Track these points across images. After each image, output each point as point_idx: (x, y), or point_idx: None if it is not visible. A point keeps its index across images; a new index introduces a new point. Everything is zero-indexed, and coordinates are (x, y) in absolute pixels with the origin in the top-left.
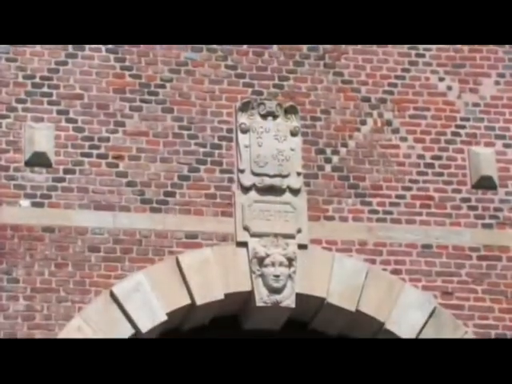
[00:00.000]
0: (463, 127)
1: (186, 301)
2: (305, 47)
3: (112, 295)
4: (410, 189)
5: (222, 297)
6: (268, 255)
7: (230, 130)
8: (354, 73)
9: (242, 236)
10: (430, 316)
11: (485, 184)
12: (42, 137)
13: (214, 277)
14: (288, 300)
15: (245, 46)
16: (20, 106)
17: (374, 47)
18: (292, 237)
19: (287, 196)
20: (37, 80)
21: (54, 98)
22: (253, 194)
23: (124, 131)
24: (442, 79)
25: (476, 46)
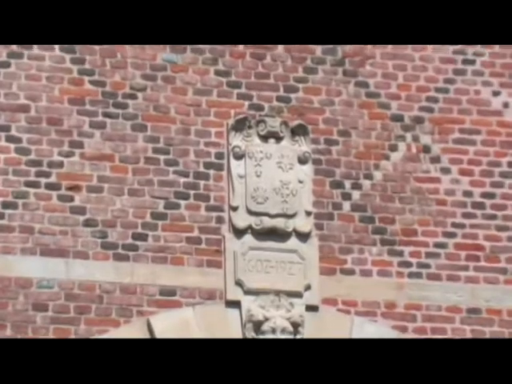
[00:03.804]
0: None
1: None
2: (319, 49)
3: None
4: (453, 235)
5: None
6: (267, 319)
7: (219, 155)
8: (382, 83)
9: (234, 293)
10: None
11: None
12: None
13: None
14: None
15: (241, 46)
16: None
17: (409, 50)
18: (299, 295)
19: (293, 242)
20: None
21: None
22: (248, 238)
23: (82, 154)
24: (496, 93)
25: None
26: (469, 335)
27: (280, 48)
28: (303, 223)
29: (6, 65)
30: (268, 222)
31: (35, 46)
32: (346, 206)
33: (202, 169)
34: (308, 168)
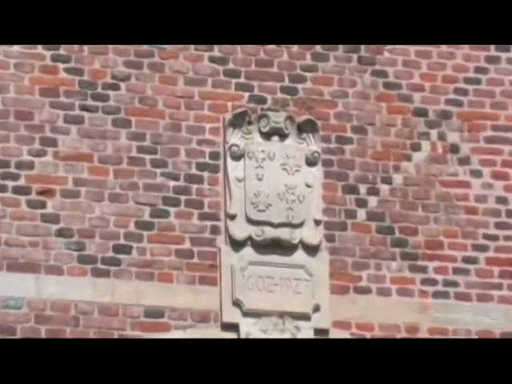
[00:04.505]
0: None
1: None
2: None
3: None
4: (484, 248)
5: None
6: None
7: (215, 155)
8: (404, 73)
9: (231, 315)
10: None
11: None
12: None
13: None
14: None
15: None
16: None
17: None
18: (306, 317)
19: (300, 256)
20: None
21: None
22: (248, 251)
23: (55, 154)
24: None
25: None
26: None
27: None
28: (311, 234)
29: None
30: (271, 233)
31: None
32: (361, 214)
33: (194, 171)
34: (317, 170)
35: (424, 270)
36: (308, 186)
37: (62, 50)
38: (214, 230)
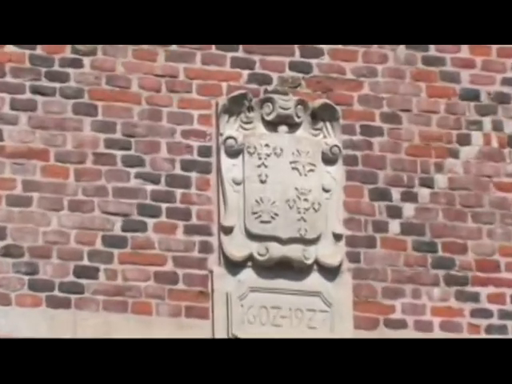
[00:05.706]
0: None
1: None
2: None
3: None
4: None
5: None
6: None
7: (205, 151)
8: (448, 45)
9: None
10: None
11: None
12: None
13: None
14: None
15: None
16: None
17: None
18: None
19: (315, 280)
20: None
21: None
22: (248, 274)
23: (0, 149)
24: None
25: None
26: None
27: None
28: (330, 252)
29: None
30: (277, 251)
31: None
32: (394, 226)
33: (178, 171)
34: (337, 170)
35: (475, 298)
36: (325, 190)
37: None
38: (205, 248)
